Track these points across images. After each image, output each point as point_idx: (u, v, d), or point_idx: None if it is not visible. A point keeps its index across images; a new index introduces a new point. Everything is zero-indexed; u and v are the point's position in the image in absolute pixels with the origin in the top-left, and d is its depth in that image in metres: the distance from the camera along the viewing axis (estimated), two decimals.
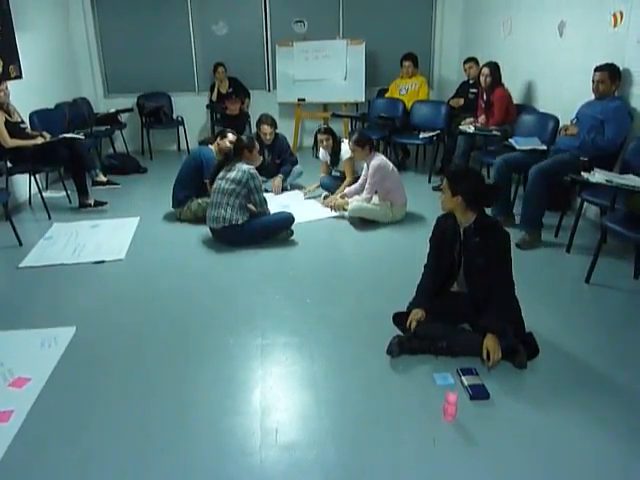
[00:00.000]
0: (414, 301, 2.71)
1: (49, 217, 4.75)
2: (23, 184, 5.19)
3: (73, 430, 2.16)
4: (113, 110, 6.74)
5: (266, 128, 5.27)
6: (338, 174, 5.20)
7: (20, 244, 4.12)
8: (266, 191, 4.96)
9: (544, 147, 4.23)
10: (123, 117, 6.96)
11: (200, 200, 4.50)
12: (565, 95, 4.64)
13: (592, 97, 3.94)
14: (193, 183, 4.53)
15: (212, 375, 2.49)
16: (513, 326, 2.53)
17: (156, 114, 6.97)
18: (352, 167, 4.98)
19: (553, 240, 4.03)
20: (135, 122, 7.18)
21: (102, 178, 5.18)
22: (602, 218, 3.33)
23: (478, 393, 2.29)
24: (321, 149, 5.19)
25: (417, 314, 2.61)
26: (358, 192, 4.63)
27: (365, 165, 4.57)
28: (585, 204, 3.90)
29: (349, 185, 4.85)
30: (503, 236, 2.52)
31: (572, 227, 3.82)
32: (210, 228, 4.09)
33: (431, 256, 2.76)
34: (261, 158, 4.27)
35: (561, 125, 4.26)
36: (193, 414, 2.23)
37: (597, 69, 3.83)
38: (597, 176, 3.43)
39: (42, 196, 4.85)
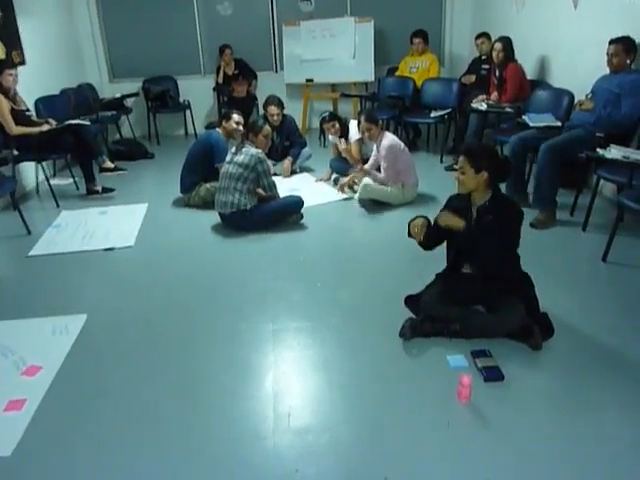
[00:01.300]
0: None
1: (57, 205, 4.78)
2: (30, 172, 5.23)
3: (86, 418, 2.19)
4: (118, 95, 6.73)
5: (273, 109, 5.24)
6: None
7: (29, 233, 4.15)
8: (275, 175, 4.96)
9: (558, 123, 4.16)
10: (129, 102, 6.96)
11: (209, 185, 4.50)
12: (580, 69, 4.55)
13: (608, 71, 3.86)
14: (202, 168, 4.53)
15: (224, 360, 2.51)
16: (526, 304, 2.52)
17: (162, 98, 6.95)
18: (360, 149, 4.94)
19: (569, 219, 3.99)
20: (141, 107, 7.17)
21: (109, 164, 5.19)
22: (619, 195, 3.28)
23: (492, 375, 2.29)
24: (330, 135, 5.16)
25: (419, 220, 2.57)
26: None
27: (375, 146, 4.53)
28: (601, 181, 3.85)
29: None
30: (517, 213, 2.50)
31: (588, 205, 3.77)
32: (219, 213, 4.10)
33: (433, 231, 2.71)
34: (269, 144, 4.25)
35: (576, 100, 4.19)
36: (206, 400, 2.26)
37: (612, 42, 3.75)
38: (613, 152, 3.37)
39: (49, 184, 4.88)
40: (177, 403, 2.24)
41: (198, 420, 2.14)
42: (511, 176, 4.05)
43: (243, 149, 4.00)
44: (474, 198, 2.56)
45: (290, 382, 2.36)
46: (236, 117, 4.60)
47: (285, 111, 5.42)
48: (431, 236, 2.65)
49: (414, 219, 2.63)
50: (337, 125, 4.99)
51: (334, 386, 2.31)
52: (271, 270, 3.43)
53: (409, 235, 2.65)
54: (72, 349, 2.64)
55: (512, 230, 2.48)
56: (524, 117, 4.34)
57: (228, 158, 4.07)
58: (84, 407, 2.25)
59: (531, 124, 4.21)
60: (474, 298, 2.68)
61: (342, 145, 4.86)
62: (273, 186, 4.08)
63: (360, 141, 4.89)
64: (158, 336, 2.74)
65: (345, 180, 4.69)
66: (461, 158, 2.50)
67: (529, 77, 5.22)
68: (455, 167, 2.59)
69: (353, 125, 4.93)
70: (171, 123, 7.47)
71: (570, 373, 2.33)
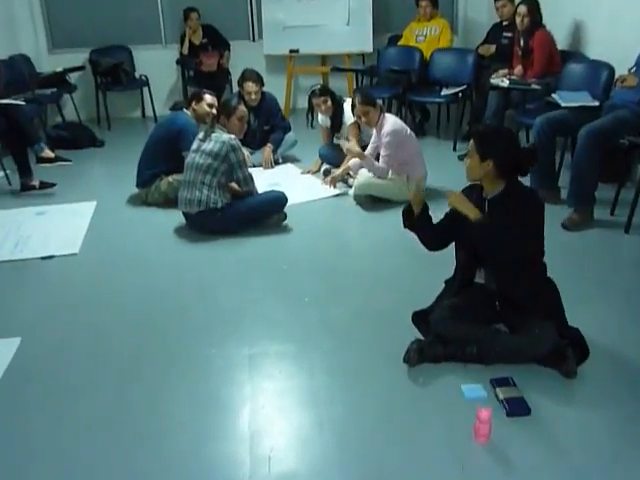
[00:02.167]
0: None
1: None
2: None
3: (19, 467, 2.17)
4: (60, 69, 6.71)
5: (250, 86, 5.25)
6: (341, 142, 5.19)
7: None
8: (253, 166, 4.97)
9: (596, 103, 4.21)
10: (72, 77, 6.93)
11: (171, 178, 4.50)
12: (622, 38, 4.61)
13: None
14: (165, 157, 4.53)
15: (190, 394, 2.50)
16: (550, 314, 2.55)
17: (114, 73, 6.94)
18: (359, 133, 4.96)
19: (608, 218, 4.03)
20: (88, 83, 7.15)
21: (49, 154, 5.17)
22: None
23: (516, 408, 2.30)
24: (320, 114, 5.18)
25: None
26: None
27: (374, 131, 4.55)
28: None
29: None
30: (536, 206, 2.55)
31: (632, 202, 3.81)
32: (183, 213, 4.10)
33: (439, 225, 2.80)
34: (245, 128, 4.26)
35: (617, 75, 4.24)
36: (168, 441, 2.24)
37: None
38: None
39: None
40: (132, 447, 2.23)
41: (158, 467, 2.13)
42: (537, 167, 4.14)
43: (213, 135, 4.00)
44: (485, 189, 2.62)
45: (271, 419, 2.36)
46: (209, 98, 4.60)
47: (265, 88, 5.43)
48: (435, 232, 2.77)
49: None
50: (329, 102, 5.01)
51: (324, 423, 2.31)
52: (247, 282, 3.43)
53: (405, 225, 2.79)
54: (2, 380, 2.62)
55: (529, 229, 2.51)
56: (554, 95, 4.39)
57: (194, 146, 4.06)
58: (16, 453, 2.22)
59: (563, 104, 4.25)
60: (493, 315, 2.70)
61: (345, 143, 4.79)
62: (249, 180, 4.09)
63: (357, 125, 4.91)
64: (108, 364, 2.73)
65: (338, 172, 4.71)
66: (471, 141, 2.60)
67: (560, 47, 5.28)
68: (468, 151, 2.65)
69: (348, 105, 4.94)
70: (125, 103, 7.45)
71: (611, 406, 2.34)
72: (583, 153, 3.86)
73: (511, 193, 2.56)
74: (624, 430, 2.22)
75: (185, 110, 4.67)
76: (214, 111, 4.52)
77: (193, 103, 4.63)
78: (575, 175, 3.94)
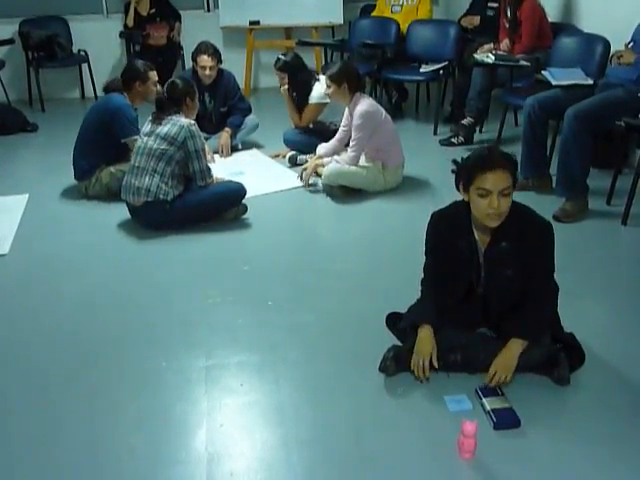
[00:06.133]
0: (417, 310, 2.69)
1: None
2: None
3: None
4: None
5: (206, 60, 5.22)
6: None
7: None
8: (215, 153, 4.96)
9: (590, 81, 4.27)
10: None
11: (113, 168, 4.46)
12: (618, 9, 4.68)
13: None
14: (102, 146, 4.47)
15: (137, 414, 2.49)
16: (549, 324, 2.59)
17: (48, 47, 6.86)
18: (317, 115, 5.06)
19: (604, 208, 4.10)
20: (18, 59, 7.07)
21: None
22: None
23: (505, 420, 2.33)
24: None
25: (425, 341, 2.55)
26: (337, 151, 4.63)
27: (347, 112, 4.57)
28: None
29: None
30: (546, 231, 2.53)
31: (629, 191, 3.87)
32: (127, 204, 4.06)
33: (432, 266, 2.72)
34: (197, 106, 4.24)
35: (613, 51, 4.31)
36: (113, 467, 2.23)
37: None
38: None
39: None
40: (73, 475, 2.21)
41: None
42: (527, 152, 4.19)
43: (169, 117, 3.95)
44: (486, 220, 2.45)
45: (231, 439, 2.36)
46: (154, 76, 4.56)
47: (222, 65, 5.40)
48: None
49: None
50: (286, 79, 5.09)
51: (292, 443, 2.31)
52: (203, 285, 3.42)
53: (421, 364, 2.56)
54: None
55: (543, 256, 2.51)
56: (544, 73, 4.44)
57: (147, 128, 4.02)
58: None
59: (554, 82, 4.31)
60: (479, 318, 2.73)
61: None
62: (206, 174, 4.05)
63: (320, 107, 4.94)
64: (43, 382, 2.70)
65: (309, 169, 4.66)
66: (500, 173, 2.35)
67: (551, 19, 5.35)
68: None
69: (320, 84, 4.95)
70: (61, 82, 7.38)
71: (606, 416, 2.39)
72: (571, 137, 3.91)
73: (517, 218, 2.48)
74: (621, 443, 2.26)
75: (124, 93, 4.56)
76: (159, 88, 4.48)
77: (137, 84, 4.55)
78: (562, 161, 3.99)
